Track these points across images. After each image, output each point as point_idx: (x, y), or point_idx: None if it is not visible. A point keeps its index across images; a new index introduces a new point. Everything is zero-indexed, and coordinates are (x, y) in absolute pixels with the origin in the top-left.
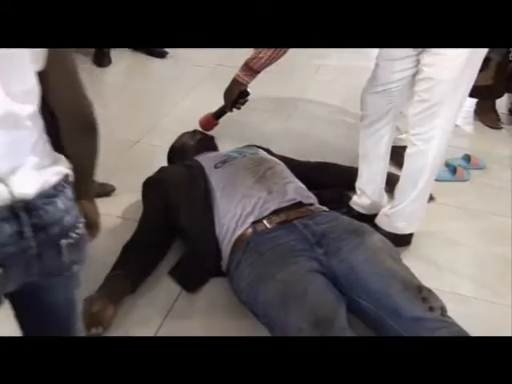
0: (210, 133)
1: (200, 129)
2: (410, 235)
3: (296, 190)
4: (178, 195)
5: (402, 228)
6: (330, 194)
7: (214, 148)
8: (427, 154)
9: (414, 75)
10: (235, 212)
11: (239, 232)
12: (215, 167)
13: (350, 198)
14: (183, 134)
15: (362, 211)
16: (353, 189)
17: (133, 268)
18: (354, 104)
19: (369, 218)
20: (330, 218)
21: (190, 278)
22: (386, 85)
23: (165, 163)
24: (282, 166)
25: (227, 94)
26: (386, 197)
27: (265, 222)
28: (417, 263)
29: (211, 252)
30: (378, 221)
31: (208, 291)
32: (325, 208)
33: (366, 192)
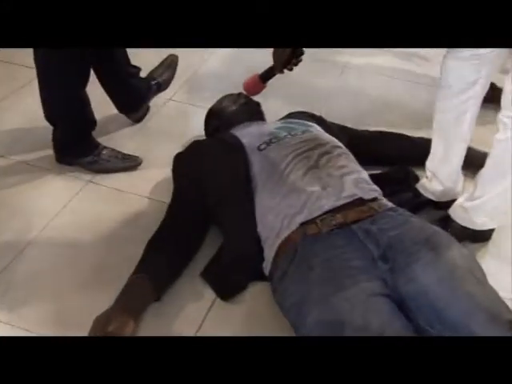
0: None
1: (244, 92)
2: (491, 231)
3: (356, 182)
4: (213, 181)
5: (481, 223)
6: (394, 173)
7: (260, 117)
8: None
9: None
10: (280, 209)
11: (285, 234)
12: (259, 149)
13: (418, 179)
14: (225, 97)
15: (431, 197)
16: (421, 165)
17: (158, 269)
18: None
19: (439, 206)
20: (397, 221)
21: (227, 283)
22: (475, 49)
23: (201, 125)
24: (338, 148)
25: (277, 52)
26: (462, 182)
27: (317, 222)
28: (497, 265)
29: (252, 252)
30: (453, 212)
31: (247, 298)
32: (391, 205)
33: (439, 176)
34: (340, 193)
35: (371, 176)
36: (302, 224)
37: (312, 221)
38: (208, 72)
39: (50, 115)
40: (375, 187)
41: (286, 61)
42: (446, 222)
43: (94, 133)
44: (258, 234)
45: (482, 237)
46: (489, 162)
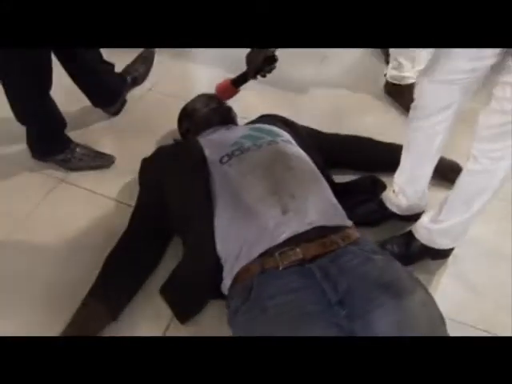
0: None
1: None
2: (451, 249)
3: (320, 205)
4: (175, 197)
5: (444, 244)
6: (361, 182)
7: (232, 121)
8: (494, 175)
9: (495, 68)
10: (240, 234)
11: (243, 262)
12: (221, 161)
13: (385, 187)
14: (199, 97)
15: (396, 211)
16: (390, 171)
17: (114, 290)
18: None
19: (403, 218)
20: (359, 259)
21: (185, 304)
22: (452, 73)
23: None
24: (304, 163)
25: (250, 58)
26: (427, 196)
27: (276, 256)
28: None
29: (210, 271)
30: (416, 232)
31: (205, 318)
32: (354, 236)
33: (406, 192)
34: (302, 218)
35: (338, 186)
36: (261, 255)
37: (271, 253)
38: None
39: (17, 116)
40: (340, 210)
41: (260, 67)
42: (408, 239)
43: (68, 126)
44: (218, 253)
45: (443, 255)
46: (456, 190)
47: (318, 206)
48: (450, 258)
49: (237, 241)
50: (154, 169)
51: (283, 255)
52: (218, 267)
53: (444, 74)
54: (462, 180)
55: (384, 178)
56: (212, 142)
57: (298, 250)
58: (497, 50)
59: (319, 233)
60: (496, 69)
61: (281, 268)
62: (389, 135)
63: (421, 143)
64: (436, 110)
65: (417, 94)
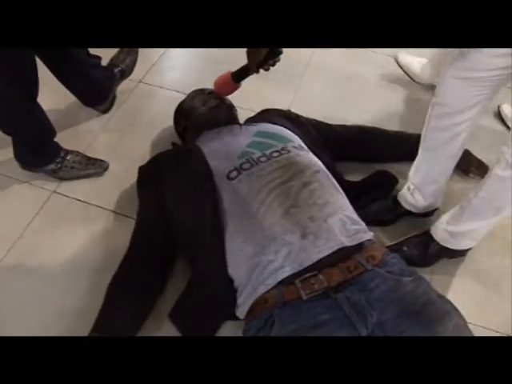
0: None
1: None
2: (469, 248)
3: (340, 223)
4: (179, 215)
5: (464, 245)
6: (373, 178)
7: (233, 120)
8: None
9: None
10: (255, 260)
11: (260, 291)
12: (228, 177)
13: (396, 181)
14: (196, 94)
15: (411, 209)
16: (402, 160)
17: (120, 324)
18: None
19: (418, 215)
20: (387, 284)
21: (195, 329)
22: (481, 71)
23: (171, 113)
24: (318, 173)
25: (252, 52)
26: (442, 196)
27: (297, 284)
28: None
29: (223, 297)
30: (435, 234)
31: None
32: (379, 253)
33: (423, 191)
34: (323, 242)
35: (349, 184)
36: (280, 282)
37: (291, 281)
38: (180, 50)
39: (2, 127)
40: (360, 223)
41: (262, 61)
42: (426, 240)
43: (56, 127)
44: (230, 275)
45: (461, 253)
46: (483, 194)
47: (338, 224)
48: (468, 255)
49: (252, 267)
50: (153, 182)
51: (305, 283)
52: (230, 291)
53: (473, 71)
54: (492, 185)
55: (395, 169)
56: (216, 153)
57: (320, 276)
58: None
59: (342, 255)
60: None
61: (304, 298)
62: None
63: (442, 143)
64: (461, 109)
65: (440, 91)
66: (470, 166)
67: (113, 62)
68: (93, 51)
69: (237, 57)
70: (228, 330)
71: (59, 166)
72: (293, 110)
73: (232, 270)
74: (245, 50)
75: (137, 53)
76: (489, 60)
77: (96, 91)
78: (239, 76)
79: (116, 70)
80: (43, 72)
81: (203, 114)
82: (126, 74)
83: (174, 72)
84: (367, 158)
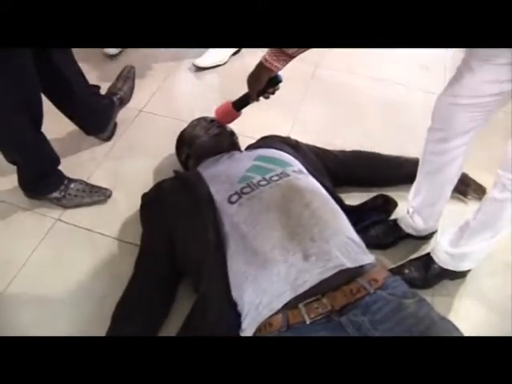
0: None
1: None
2: (469, 270)
3: (342, 245)
4: (182, 241)
5: (464, 267)
6: (373, 202)
7: (234, 147)
8: None
9: None
10: (257, 283)
11: (264, 315)
12: (230, 201)
13: (396, 204)
14: (198, 122)
15: (411, 232)
16: (401, 185)
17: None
18: None
19: (416, 237)
20: (390, 306)
21: None
22: (477, 97)
23: (172, 140)
24: (319, 196)
25: (253, 81)
26: (440, 217)
27: (301, 308)
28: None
29: (227, 321)
30: (435, 255)
31: None
32: (381, 276)
33: (423, 214)
34: (325, 263)
35: (349, 208)
36: (285, 306)
37: (294, 304)
38: (180, 79)
39: (7, 156)
40: (361, 245)
41: (262, 89)
42: (427, 263)
43: (60, 155)
44: (234, 299)
45: (461, 275)
46: (480, 216)
47: (340, 245)
48: (468, 276)
49: (255, 290)
50: (156, 209)
51: (309, 307)
52: (234, 315)
53: (466, 97)
54: (489, 208)
55: (394, 193)
56: (218, 179)
57: (324, 300)
58: None
59: (345, 277)
60: None
61: (308, 322)
62: None
63: (440, 167)
64: (457, 134)
65: (434, 116)
66: (467, 188)
67: (111, 91)
68: (91, 81)
69: (237, 85)
70: None
71: (63, 194)
72: (292, 136)
73: (236, 294)
74: (245, 78)
75: (133, 80)
76: (481, 86)
77: (97, 119)
78: (240, 104)
79: (115, 98)
80: (45, 101)
81: (205, 142)
82: (124, 101)
83: (174, 100)
84: (367, 183)
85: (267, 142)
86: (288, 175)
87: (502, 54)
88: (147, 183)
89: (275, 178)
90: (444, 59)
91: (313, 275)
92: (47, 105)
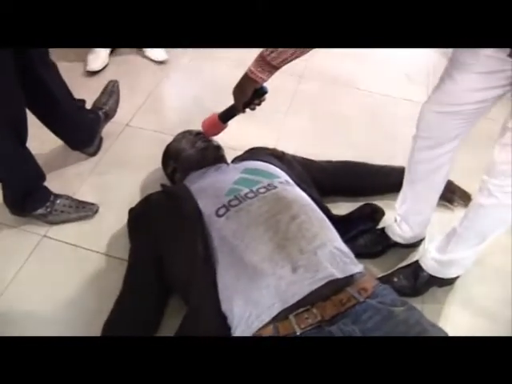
0: None
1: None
2: (458, 276)
3: (330, 255)
4: (170, 256)
5: (452, 273)
6: (360, 212)
7: (220, 160)
8: (508, 209)
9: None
10: (247, 296)
11: (254, 328)
12: (217, 214)
13: (383, 213)
14: (184, 136)
15: (399, 241)
16: (388, 194)
17: None
18: None
19: (404, 246)
20: (380, 315)
21: None
22: (460, 105)
23: (158, 154)
24: (306, 206)
25: (238, 92)
26: (428, 226)
27: (291, 319)
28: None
29: (216, 333)
30: (423, 263)
31: None
32: (371, 285)
33: (410, 222)
34: (314, 274)
35: (337, 218)
36: (274, 318)
37: (284, 315)
38: (165, 92)
39: None
40: (350, 255)
41: (248, 101)
42: (416, 271)
43: (46, 170)
44: (223, 312)
45: (450, 282)
46: (467, 223)
47: (328, 256)
48: (457, 282)
49: (245, 303)
50: (144, 224)
51: (299, 317)
52: (224, 328)
53: (450, 105)
54: (475, 214)
55: (381, 201)
56: (204, 191)
57: (314, 310)
58: (507, 81)
59: (334, 287)
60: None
61: (298, 333)
62: None
63: (425, 176)
64: (442, 142)
65: (420, 124)
66: (453, 196)
67: (96, 106)
68: (77, 95)
69: (222, 97)
70: None
71: (49, 210)
72: (278, 147)
73: (225, 307)
74: (231, 90)
75: (118, 94)
76: (463, 94)
77: (82, 134)
78: (226, 116)
79: (100, 113)
80: (30, 116)
81: (192, 155)
82: (109, 115)
83: (159, 114)
84: (353, 192)
85: (254, 154)
86: (275, 187)
87: (478, 63)
88: (134, 197)
89: (262, 190)
90: (427, 68)
91: (302, 287)
92: (32, 119)
